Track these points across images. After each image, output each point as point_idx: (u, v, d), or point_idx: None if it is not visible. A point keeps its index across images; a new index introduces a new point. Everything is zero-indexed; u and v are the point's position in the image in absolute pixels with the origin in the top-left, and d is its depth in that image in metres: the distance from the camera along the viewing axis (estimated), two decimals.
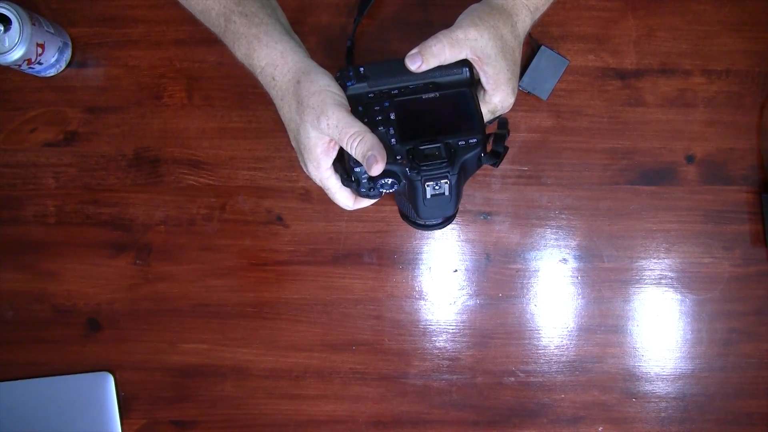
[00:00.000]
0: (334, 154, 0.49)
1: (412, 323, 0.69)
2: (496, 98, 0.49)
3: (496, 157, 0.48)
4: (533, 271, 0.69)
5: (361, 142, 0.45)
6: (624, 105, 0.68)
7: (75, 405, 0.68)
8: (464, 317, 0.69)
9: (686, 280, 0.69)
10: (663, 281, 0.69)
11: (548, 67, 0.66)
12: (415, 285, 0.69)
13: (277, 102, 0.49)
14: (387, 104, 0.49)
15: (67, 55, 0.68)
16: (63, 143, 0.69)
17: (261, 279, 0.69)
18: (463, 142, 0.46)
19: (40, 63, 0.64)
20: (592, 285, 0.69)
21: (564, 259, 0.69)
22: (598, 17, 0.68)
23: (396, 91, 0.50)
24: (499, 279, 0.69)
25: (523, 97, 0.68)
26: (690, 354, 0.69)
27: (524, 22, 0.50)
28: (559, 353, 0.69)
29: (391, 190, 0.49)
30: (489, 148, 0.49)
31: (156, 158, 0.69)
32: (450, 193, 0.47)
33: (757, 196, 0.68)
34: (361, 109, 0.49)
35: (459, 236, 0.69)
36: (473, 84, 0.50)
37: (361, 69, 0.50)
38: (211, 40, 0.50)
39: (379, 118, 0.48)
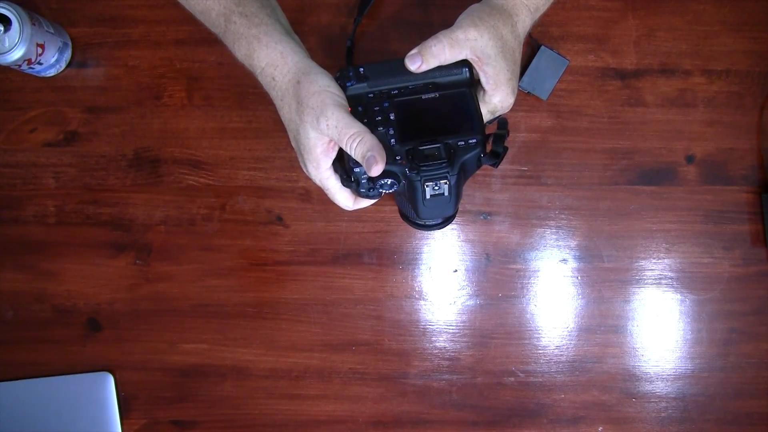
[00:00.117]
0: (333, 155, 0.49)
1: (412, 323, 0.69)
2: (496, 98, 0.49)
3: (496, 157, 0.48)
4: (533, 271, 0.69)
5: (361, 143, 0.45)
6: (624, 105, 0.68)
7: (75, 405, 0.68)
8: (464, 317, 0.69)
9: (686, 280, 0.69)
10: (663, 281, 0.69)
11: (548, 67, 0.66)
12: (415, 285, 0.69)
13: (277, 102, 0.49)
14: (387, 104, 0.49)
15: (67, 55, 0.68)
16: (63, 143, 0.69)
17: (261, 279, 0.69)
18: (463, 143, 0.46)
19: (40, 63, 0.64)
20: (592, 285, 0.69)
21: (564, 259, 0.69)
22: (598, 17, 0.68)
23: (396, 92, 0.50)
24: (499, 279, 0.69)
25: (523, 97, 0.68)
26: (690, 354, 0.69)
27: (524, 22, 0.50)
28: (559, 353, 0.69)
29: (390, 191, 0.49)
30: (489, 148, 0.49)
31: (156, 158, 0.69)
32: (450, 193, 0.47)
33: (757, 196, 0.68)
34: (360, 109, 0.49)
35: (459, 236, 0.69)
36: (473, 84, 0.50)
37: (361, 69, 0.50)
38: (211, 40, 0.50)
39: (379, 118, 0.48)
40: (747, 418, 0.69)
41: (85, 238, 0.69)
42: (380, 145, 0.45)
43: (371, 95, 0.50)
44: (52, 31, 0.65)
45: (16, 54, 0.61)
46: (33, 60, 0.63)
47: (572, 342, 0.69)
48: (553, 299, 0.69)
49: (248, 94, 0.68)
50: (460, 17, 0.49)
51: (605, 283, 0.69)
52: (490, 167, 0.67)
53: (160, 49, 0.68)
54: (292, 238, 0.69)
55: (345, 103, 0.47)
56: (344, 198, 0.52)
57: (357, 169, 0.48)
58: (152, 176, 0.68)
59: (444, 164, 0.46)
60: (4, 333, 0.69)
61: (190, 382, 0.69)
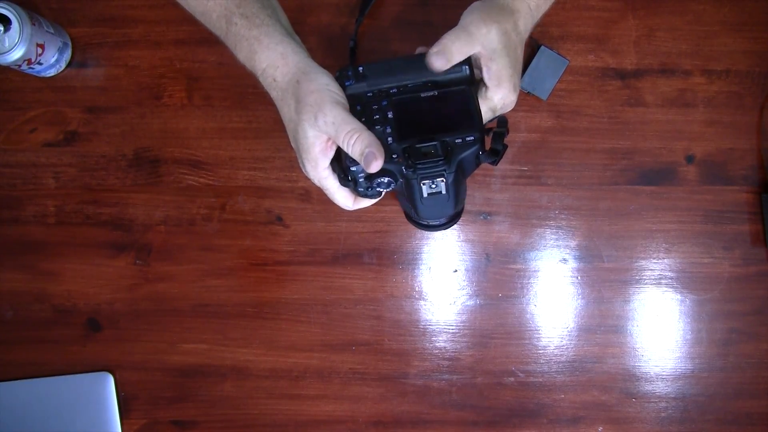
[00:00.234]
0: (331, 154, 0.49)
1: (412, 323, 0.69)
2: (498, 95, 0.49)
3: (495, 155, 0.47)
4: (533, 271, 0.69)
5: (358, 140, 0.45)
6: (624, 105, 0.68)
7: (75, 405, 0.68)
8: (464, 317, 0.69)
9: (686, 280, 0.69)
10: (663, 281, 0.69)
11: (548, 67, 0.66)
12: (415, 285, 0.69)
13: (278, 103, 0.49)
14: (385, 103, 0.49)
15: (67, 55, 0.68)
16: (63, 143, 0.69)
17: (261, 279, 0.69)
18: (460, 140, 0.46)
19: (40, 63, 0.64)
20: (592, 285, 0.69)
21: (564, 259, 0.69)
22: (598, 17, 0.68)
23: (395, 90, 0.50)
24: (499, 279, 0.69)
25: (523, 97, 0.68)
26: (690, 354, 0.69)
27: (525, 19, 0.50)
28: (559, 353, 0.69)
29: (387, 189, 0.49)
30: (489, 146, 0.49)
31: (156, 158, 0.69)
32: (447, 191, 0.47)
33: (757, 196, 0.68)
34: (359, 108, 0.49)
35: (459, 236, 0.69)
36: (473, 82, 0.50)
37: (360, 68, 0.50)
38: (211, 41, 0.50)
39: (377, 117, 0.48)
40: (747, 418, 0.69)
41: (85, 238, 0.69)
42: (378, 142, 0.45)
43: (370, 94, 0.50)
44: (52, 31, 0.65)
45: (16, 54, 0.61)
46: (33, 60, 0.63)
47: (572, 342, 0.69)
48: (553, 299, 0.69)
49: (248, 94, 0.68)
50: (466, 14, 0.49)
51: (605, 283, 0.69)
52: (490, 166, 0.67)
53: (160, 49, 0.68)
54: (292, 238, 0.68)
55: (344, 101, 0.47)
56: (343, 197, 0.52)
57: (354, 168, 0.48)
58: (152, 176, 0.68)
59: (441, 162, 0.46)
60: (4, 333, 0.69)
61: (190, 382, 0.69)
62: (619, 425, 0.69)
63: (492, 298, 0.69)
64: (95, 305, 0.69)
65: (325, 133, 0.47)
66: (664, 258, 0.69)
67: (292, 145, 0.50)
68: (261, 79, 0.49)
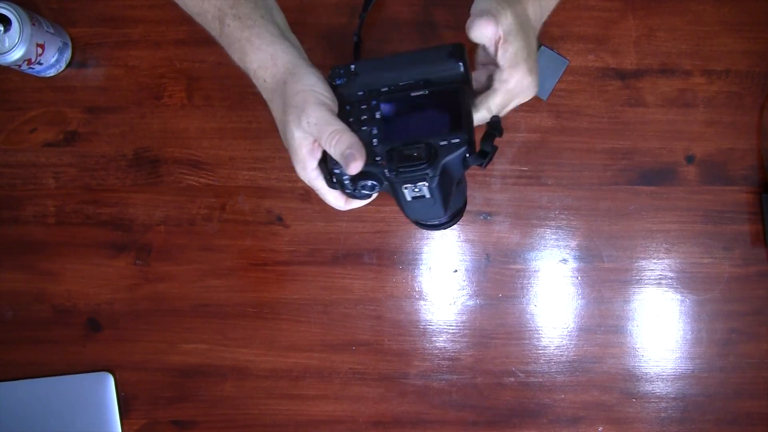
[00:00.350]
0: (319, 155, 0.48)
1: (412, 323, 0.69)
2: (515, 77, 0.47)
3: (483, 157, 0.45)
4: (533, 272, 0.69)
5: (339, 141, 0.44)
6: (624, 105, 0.68)
7: (75, 405, 0.68)
8: (464, 317, 0.69)
9: (686, 280, 0.69)
10: (663, 281, 0.69)
11: (548, 67, 0.66)
12: (415, 285, 0.69)
13: (269, 104, 0.49)
14: (374, 102, 0.48)
15: (67, 55, 0.68)
16: (63, 143, 0.69)
17: (261, 279, 0.69)
18: (445, 142, 0.44)
19: (40, 63, 0.64)
20: (592, 285, 0.69)
21: (564, 260, 0.69)
22: (598, 17, 0.68)
23: (386, 89, 0.49)
24: (499, 279, 0.69)
25: None
26: (690, 354, 0.69)
27: (534, 7, 0.49)
28: (559, 353, 0.69)
29: (372, 192, 0.48)
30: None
31: (156, 158, 0.69)
32: (432, 195, 0.45)
33: (757, 196, 0.68)
34: (348, 108, 0.48)
35: (459, 236, 0.69)
36: (467, 81, 0.49)
37: (352, 66, 0.50)
38: (211, 41, 0.50)
39: (365, 117, 0.47)
40: (747, 418, 0.69)
41: (85, 238, 0.69)
42: (360, 144, 0.44)
43: (361, 93, 0.49)
44: (52, 31, 0.65)
45: (16, 54, 0.61)
46: (33, 60, 0.63)
47: (572, 342, 0.69)
48: (553, 299, 0.69)
49: (248, 94, 0.68)
50: (477, 3, 0.47)
51: (605, 283, 0.69)
52: (489, 166, 0.67)
53: (160, 49, 0.68)
54: (292, 238, 0.68)
55: (329, 102, 0.47)
56: (334, 198, 0.52)
57: (338, 170, 0.47)
58: (152, 176, 0.68)
59: (424, 166, 0.44)
60: (4, 333, 0.69)
61: (190, 382, 0.69)
62: (619, 425, 0.69)
63: (492, 298, 0.69)
64: (95, 305, 0.69)
65: (309, 134, 0.46)
66: (664, 258, 0.69)
67: (284, 145, 0.50)
68: (253, 80, 0.49)
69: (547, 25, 0.67)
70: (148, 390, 0.69)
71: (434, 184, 0.44)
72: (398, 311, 0.69)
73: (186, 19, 0.52)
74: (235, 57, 0.49)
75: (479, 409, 0.69)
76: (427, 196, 0.45)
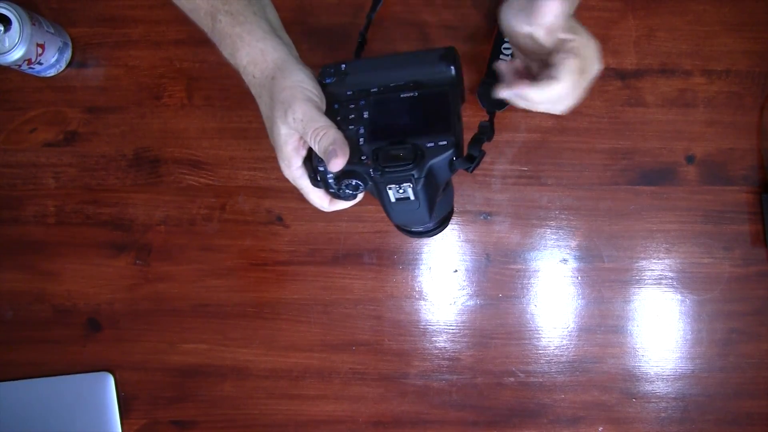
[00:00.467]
0: (304, 153, 0.48)
1: (412, 323, 0.69)
2: (582, 41, 0.46)
3: (470, 161, 0.45)
4: (533, 272, 0.69)
5: (324, 137, 0.44)
6: (624, 105, 0.68)
7: (75, 405, 0.68)
8: (464, 317, 0.69)
9: (686, 280, 0.69)
10: (663, 281, 0.69)
11: None
12: (415, 285, 0.69)
13: (257, 100, 0.50)
14: (363, 102, 0.48)
15: (67, 55, 0.68)
16: (63, 143, 0.69)
17: (261, 279, 0.69)
18: (432, 144, 0.44)
19: (40, 63, 0.64)
20: (592, 285, 0.69)
21: (564, 260, 0.69)
22: (598, 17, 0.68)
23: (375, 89, 0.48)
24: (499, 279, 0.69)
25: None
26: (690, 354, 0.69)
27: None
28: (559, 353, 0.69)
29: (356, 192, 0.47)
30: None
31: (156, 158, 0.68)
32: (417, 197, 0.45)
33: (757, 196, 0.68)
34: (336, 106, 0.48)
35: (459, 236, 0.69)
36: (457, 84, 0.49)
37: (343, 66, 0.50)
38: (211, 41, 0.51)
39: (352, 116, 0.47)
40: (747, 418, 0.69)
41: (85, 238, 0.69)
42: (344, 141, 0.44)
43: (350, 93, 0.49)
44: (52, 31, 0.65)
45: (16, 54, 0.61)
46: (33, 60, 0.63)
47: (572, 342, 0.69)
48: (554, 299, 0.69)
49: (248, 94, 0.67)
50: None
51: (605, 284, 0.69)
52: (488, 166, 0.67)
53: (160, 49, 0.68)
54: (292, 238, 0.68)
55: (316, 99, 0.47)
56: (318, 198, 0.51)
57: (322, 168, 0.47)
58: (152, 176, 0.68)
59: (409, 166, 0.43)
60: (4, 333, 0.69)
61: (190, 382, 0.69)
62: (619, 425, 0.69)
63: (492, 298, 0.69)
64: (95, 305, 0.69)
65: (295, 131, 0.46)
66: (664, 258, 0.69)
67: (271, 143, 0.50)
68: (243, 76, 0.49)
69: None
70: (148, 390, 0.69)
71: (419, 186, 0.44)
72: (398, 311, 0.69)
73: (186, 19, 0.52)
74: (226, 53, 0.49)
75: (479, 409, 0.69)
76: (412, 198, 0.45)
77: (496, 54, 0.65)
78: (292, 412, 0.69)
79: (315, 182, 0.49)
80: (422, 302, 0.69)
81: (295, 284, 0.69)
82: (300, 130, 0.46)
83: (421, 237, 0.55)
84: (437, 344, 0.69)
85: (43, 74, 0.67)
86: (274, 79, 0.47)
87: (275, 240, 0.68)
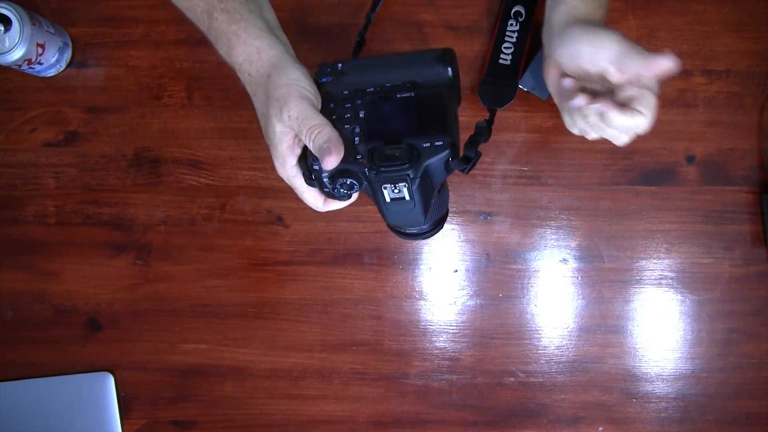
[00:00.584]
0: (299, 151, 0.48)
1: (412, 323, 0.69)
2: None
3: (466, 162, 0.45)
4: (533, 272, 0.69)
5: (319, 135, 0.44)
6: None
7: (75, 405, 0.68)
8: (464, 317, 0.69)
9: (686, 281, 0.69)
10: (663, 281, 0.69)
11: None
12: (415, 285, 0.69)
13: (252, 98, 0.50)
14: (359, 102, 0.48)
15: (67, 55, 0.68)
16: (63, 143, 0.69)
17: (261, 279, 0.69)
18: (428, 144, 0.44)
19: (40, 63, 0.64)
20: (592, 285, 0.69)
21: (564, 260, 0.69)
22: None
23: (372, 89, 0.48)
24: (499, 279, 0.69)
25: (523, 97, 0.68)
26: (690, 354, 0.69)
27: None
28: (559, 353, 0.69)
29: (351, 192, 0.47)
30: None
31: (156, 158, 0.69)
32: (412, 197, 0.45)
33: (757, 196, 0.68)
34: (332, 105, 0.48)
35: (459, 236, 0.69)
36: (455, 86, 0.49)
37: (339, 65, 0.49)
38: (208, 39, 0.51)
39: (348, 115, 0.47)
40: (747, 418, 0.69)
41: (85, 238, 0.69)
42: (339, 139, 0.44)
43: (346, 92, 0.49)
44: (52, 31, 0.65)
45: (17, 54, 0.61)
46: (33, 60, 0.63)
47: (572, 342, 0.69)
48: (554, 299, 0.69)
49: (248, 94, 0.68)
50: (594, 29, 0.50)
51: (605, 284, 0.69)
52: (488, 166, 0.67)
53: (160, 49, 0.68)
54: (293, 238, 0.68)
55: (312, 97, 0.47)
56: (312, 197, 0.51)
57: (317, 167, 0.47)
58: (152, 176, 0.68)
59: (405, 166, 0.43)
60: (4, 333, 0.69)
61: (190, 382, 0.69)
62: (620, 425, 0.69)
63: (492, 298, 0.69)
64: (95, 305, 0.69)
65: (290, 128, 0.46)
66: (664, 258, 0.69)
67: (266, 141, 0.50)
68: (239, 74, 0.49)
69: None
70: (148, 390, 0.69)
71: (415, 186, 0.44)
72: (398, 311, 0.69)
73: (186, 19, 0.52)
74: (222, 51, 0.49)
75: (479, 409, 0.69)
76: (407, 198, 0.45)
77: (496, 54, 0.65)
78: (292, 412, 0.69)
79: (309, 181, 0.49)
80: (422, 302, 0.69)
81: (295, 284, 0.69)
82: (295, 128, 0.46)
83: (415, 239, 0.54)
84: (437, 344, 0.69)
85: (43, 74, 0.67)
86: (270, 77, 0.47)
87: (275, 240, 0.68)
